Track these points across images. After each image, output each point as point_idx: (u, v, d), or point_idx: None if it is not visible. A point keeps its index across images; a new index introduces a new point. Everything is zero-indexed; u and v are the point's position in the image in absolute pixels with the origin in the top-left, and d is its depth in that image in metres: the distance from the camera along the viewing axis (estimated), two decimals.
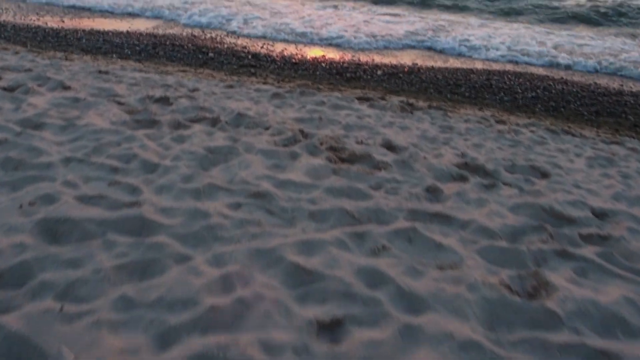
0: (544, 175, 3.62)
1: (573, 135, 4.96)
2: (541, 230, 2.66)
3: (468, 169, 3.49)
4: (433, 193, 3.03)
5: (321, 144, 3.64)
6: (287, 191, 2.84)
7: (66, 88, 4.55)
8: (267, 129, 3.88)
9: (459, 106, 5.84)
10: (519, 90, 6.64)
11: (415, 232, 2.51)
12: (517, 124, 5.24)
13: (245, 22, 9.51)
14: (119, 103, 4.19)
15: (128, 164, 3.00)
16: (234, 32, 8.67)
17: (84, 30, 8.22)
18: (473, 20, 10.80)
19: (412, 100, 5.74)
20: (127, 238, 2.32)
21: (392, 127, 4.55)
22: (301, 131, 3.86)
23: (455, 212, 2.79)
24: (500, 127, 5.03)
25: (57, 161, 2.95)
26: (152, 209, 2.53)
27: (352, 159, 3.46)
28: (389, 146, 3.82)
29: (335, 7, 11.37)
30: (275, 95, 5.23)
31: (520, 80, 7.08)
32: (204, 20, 9.68)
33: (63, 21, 9.39)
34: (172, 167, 2.98)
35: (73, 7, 10.34)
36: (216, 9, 10.50)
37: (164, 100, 4.37)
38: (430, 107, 5.53)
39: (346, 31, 9.08)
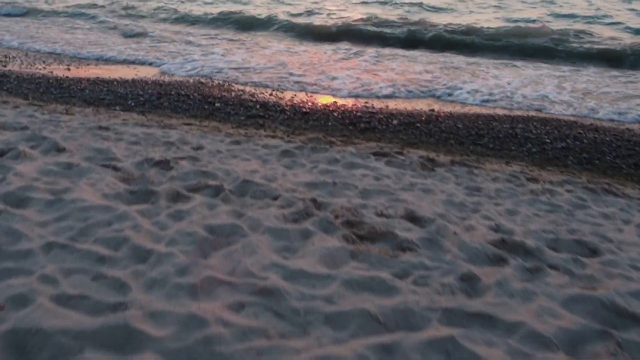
0: (593, 252, 3.22)
1: (615, 195, 4.57)
2: (605, 336, 2.24)
3: (506, 247, 3.10)
4: (469, 282, 2.64)
5: (336, 217, 3.29)
6: (298, 285, 2.47)
7: (60, 150, 4.28)
8: (275, 198, 3.54)
9: (483, 160, 5.49)
10: (547, 140, 6.28)
11: (454, 344, 2.11)
12: (551, 182, 4.86)
13: (255, 70, 9.37)
14: (115, 168, 3.90)
15: (117, 250, 2.67)
16: (242, 82, 8.49)
17: (88, 80, 8.10)
18: (489, 62, 10.58)
19: (432, 155, 5.40)
20: (108, 355, 1.96)
21: (414, 190, 4.20)
22: (313, 201, 3.51)
23: (499, 310, 2.39)
24: (533, 186, 4.65)
25: (38, 248, 2.63)
26: (139, 314, 2.17)
27: (373, 236, 3.09)
28: (413, 217, 3.45)
29: (339, 50, 11.23)
30: (285, 153, 4.93)
31: (547, 128, 6.74)
32: (207, 70, 9.58)
33: (69, 69, 9.32)
34: (166, 254, 2.63)
35: (79, 57, 10.27)
36: (228, 55, 10.42)
37: (164, 164, 4.07)
38: (453, 162, 5.18)
39: (356, 79, 8.89)
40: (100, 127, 5.39)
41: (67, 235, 2.77)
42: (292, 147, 5.19)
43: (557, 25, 13.80)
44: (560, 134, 6.53)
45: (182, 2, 16.81)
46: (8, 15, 14.63)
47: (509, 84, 8.92)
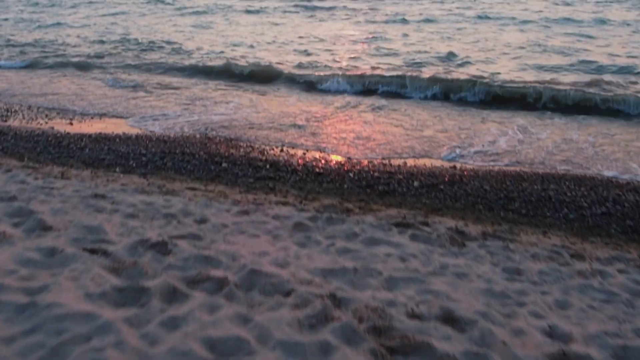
0: None
1: None
2: None
3: None
4: None
5: (360, 320, 2.80)
6: None
7: (46, 229, 3.88)
8: (288, 294, 3.08)
9: (517, 229, 5.00)
10: (585, 204, 5.80)
11: None
12: (598, 259, 4.35)
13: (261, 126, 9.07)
14: (105, 254, 3.48)
15: None
16: (250, 141, 8.18)
17: (89, 137, 7.82)
18: (517, 118, 10.20)
19: (460, 224, 4.93)
20: None
21: (446, 274, 3.72)
22: (332, 297, 3.04)
23: None
24: (580, 265, 4.15)
25: None
26: None
27: (405, 349, 2.60)
28: (451, 318, 2.96)
29: (342, 106, 10.96)
30: (298, 227, 4.48)
31: (582, 189, 6.26)
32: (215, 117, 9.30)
33: (71, 123, 9.09)
34: None
35: (81, 112, 10.07)
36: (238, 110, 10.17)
37: (161, 247, 3.64)
38: (485, 235, 4.71)
39: (366, 140, 8.56)
40: (96, 195, 5.01)
41: (35, 358, 2.31)
42: (306, 217, 4.76)
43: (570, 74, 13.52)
44: (597, 196, 6.05)
45: (179, 53, 16.80)
46: (11, 67, 14.64)
47: (538, 139, 8.51)
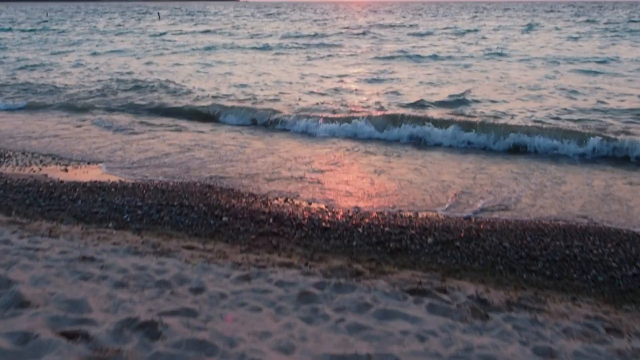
0: None
1: None
2: None
3: None
4: None
5: None
6: None
7: (23, 305, 3.53)
8: None
9: (544, 295, 4.62)
10: (613, 264, 5.41)
11: None
12: (637, 334, 3.95)
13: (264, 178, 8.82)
14: (86, 338, 3.11)
15: None
16: (252, 193, 7.89)
17: (83, 186, 7.54)
18: (537, 164, 9.92)
19: (481, 290, 4.56)
20: None
21: (471, 358, 3.32)
22: None
23: None
24: (617, 343, 3.76)
25: None
26: None
27: None
28: None
29: (346, 151, 10.71)
30: (304, 297, 4.12)
31: (609, 245, 5.88)
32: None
33: (66, 170, 8.84)
34: None
35: (75, 158, 9.83)
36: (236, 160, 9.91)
37: (150, 328, 3.28)
38: (509, 304, 4.32)
39: (376, 188, 8.27)
40: (84, 258, 4.68)
41: None
42: (312, 284, 4.40)
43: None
44: (626, 254, 5.67)
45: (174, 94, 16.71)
46: (8, 109, 14.53)
47: (559, 188, 8.18)
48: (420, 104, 14.27)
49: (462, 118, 12.13)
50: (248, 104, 14.52)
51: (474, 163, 9.49)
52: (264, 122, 12.71)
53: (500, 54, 25.64)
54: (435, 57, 25.58)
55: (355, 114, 12.70)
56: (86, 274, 4.30)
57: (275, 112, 13.19)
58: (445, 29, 48.12)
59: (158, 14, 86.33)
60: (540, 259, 5.51)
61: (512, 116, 12.73)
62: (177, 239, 5.72)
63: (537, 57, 25.34)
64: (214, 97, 15.76)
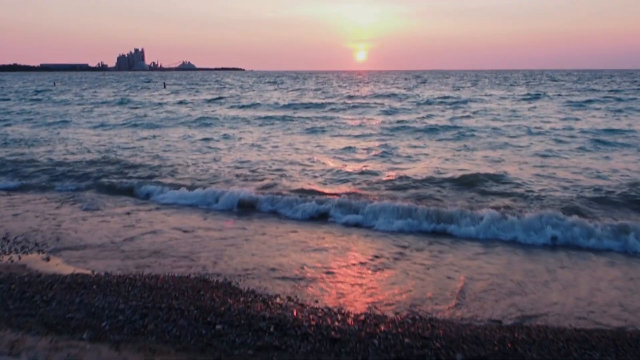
0: None
1: None
2: None
3: None
4: None
5: None
6: None
7: None
8: None
9: None
10: None
11: None
12: None
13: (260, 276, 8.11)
14: None
15: None
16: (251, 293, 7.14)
17: (62, 283, 6.80)
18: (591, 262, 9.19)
19: None
20: None
21: None
22: None
23: None
24: None
25: None
26: None
27: None
28: None
29: (356, 242, 10.02)
30: None
31: None
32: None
33: (48, 259, 8.15)
34: None
35: (62, 246, 9.14)
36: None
37: None
38: None
39: (392, 287, 7.56)
40: None
41: None
42: None
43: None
44: None
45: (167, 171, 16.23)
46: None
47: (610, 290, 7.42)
48: (430, 181, 13.71)
49: (493, 204, 11.24)
50: (238, 183, 14.00)
51: (501, 255, 8.77)
52: (258, 207, 11.70)
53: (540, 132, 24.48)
54: (448, 128, 25.34)
55: (372, 197, 12.07)
56: None
57: (275, 193, 12.57)
58: (443, 98, 48.71)
59: (164, 83, 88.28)
60: None
61: (541, 197, 11.94)
62: (161, 354, 4.92)
63: (543, 131, 25.17)
64: (198, 179, 15.20)
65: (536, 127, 25.63)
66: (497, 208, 10.70)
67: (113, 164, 17.05)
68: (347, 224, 10.41)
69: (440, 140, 22.35)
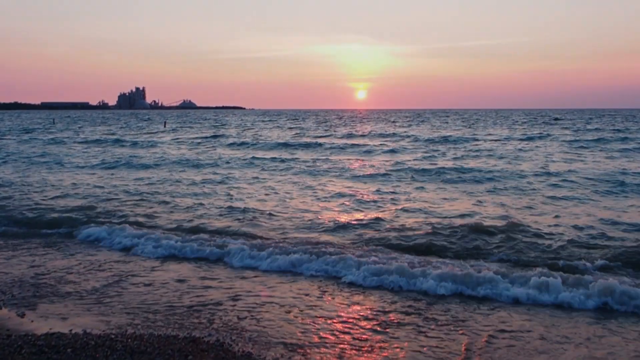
0: None
1: None
2: None
3: None
4: None
5: None
6: None
7: None
8: None
9: None
10: None
11: None
12: None
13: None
14: None
15: None
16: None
17: (33, 345, 6.09)
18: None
19: None
20: None
21: None
22: None
23: None
24: None
25: None
26: None
27: None
28: None
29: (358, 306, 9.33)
30: None
31: None
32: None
33: (24, 314, 7.48)
34: None
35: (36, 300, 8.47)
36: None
37: None
38: None
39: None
40: None
41: None
42: None
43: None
44: None
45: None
46: None
47: None
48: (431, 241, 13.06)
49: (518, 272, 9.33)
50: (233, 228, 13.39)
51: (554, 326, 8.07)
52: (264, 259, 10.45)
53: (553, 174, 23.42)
54: (459, 170, 24.62)
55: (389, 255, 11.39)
56: None
57: (276, 242, 11.90)
58: (444, 137, 48.48)
59: (165, 122, 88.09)
60: None
61: (570, 253, 10.89)
62: None
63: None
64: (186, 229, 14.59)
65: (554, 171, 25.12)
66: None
67: (104, 211, 16.46)
68: (365, 286, 9.11)
69: (448, 182, 21.78)
